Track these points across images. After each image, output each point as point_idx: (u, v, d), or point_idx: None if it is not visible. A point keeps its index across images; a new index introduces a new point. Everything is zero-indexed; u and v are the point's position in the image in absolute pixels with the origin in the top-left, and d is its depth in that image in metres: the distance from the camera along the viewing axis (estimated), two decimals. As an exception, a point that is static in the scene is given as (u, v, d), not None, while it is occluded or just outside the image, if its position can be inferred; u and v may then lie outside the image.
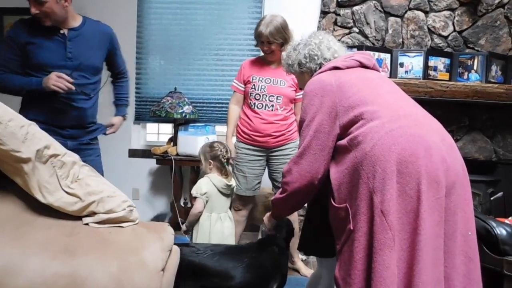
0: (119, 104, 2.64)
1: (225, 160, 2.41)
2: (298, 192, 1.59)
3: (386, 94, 1.51)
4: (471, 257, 1.41)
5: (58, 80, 2.06)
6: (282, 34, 2.66)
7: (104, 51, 2.36)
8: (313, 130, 1.51)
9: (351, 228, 1.38)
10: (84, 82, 2.23)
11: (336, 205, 1.46)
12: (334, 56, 1.70)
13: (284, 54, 1.86)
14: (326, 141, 1.49)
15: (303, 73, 1.76)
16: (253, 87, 2.74)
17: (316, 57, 1.70)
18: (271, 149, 2.77)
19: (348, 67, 1.59)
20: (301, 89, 1.81)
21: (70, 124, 2.25)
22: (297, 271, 2.90)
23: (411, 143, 1.34)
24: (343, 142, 1.46)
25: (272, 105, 2.72)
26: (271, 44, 2.67)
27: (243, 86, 2.81)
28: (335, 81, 1.52)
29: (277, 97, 2.72)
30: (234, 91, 2.87)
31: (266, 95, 2.72)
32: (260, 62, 2.83)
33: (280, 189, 1.69)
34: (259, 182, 2.83)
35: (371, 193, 1.33)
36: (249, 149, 2.76)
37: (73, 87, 2.10)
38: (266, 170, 2.87)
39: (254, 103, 2.74)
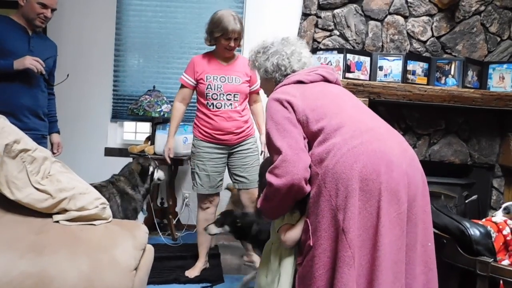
0: (52, 121, 2.80)
1: None
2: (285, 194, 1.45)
3: (349, 108, 1.52)
4: (431, 267, 1.43)
5: (34, 60, 2.39)
6: (243, 30, 2.68)
7: (53, 58, 2.72)
8: (288, 131, 1.45)
9: (311, 244, 1.38)
10: (39, 75, 2.52)
11: (305, 218, 1.46)
12: (302, 69, 1.67)
13: (250, 52, 1.78)
14: (300, 140, 1.46)
15: (268, 79, 1.72)
16: (209, 86, 2.68)
17: (283, 68, 1.65)
18: (232, 146, 2.76)
19: (311, 81, 1.59)
20: (266, 94, 1.79)
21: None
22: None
23: (373, 159, 1.35)
24: None
25: (231, 103, 2.70)
26: (237, 40, 2.64)
27: (194, 81, 2.72)
28: (299, 94, 1.51)
29: (234, 94, 2.70)
30: (182, 85, 2.76)
31: (223, 94, 2.68)
32: (211, 59, 2.73)
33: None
34: (222, 179, 2.82)
35: (334, 211, 1.33)
36: (210, 147, 2.73)
37: (43, 71, 2.45)
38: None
39: (212, 103, 2.69)
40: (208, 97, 2.69)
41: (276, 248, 1.61)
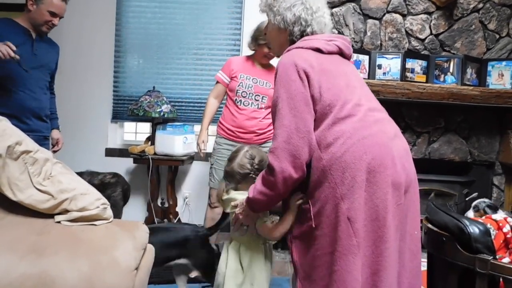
0: (52, 118, 2.84)
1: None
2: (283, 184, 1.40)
3: (360, 94, 1.49)
4: (416, 255, 1.46)
5: (1, 45, 2.20)
6: None
7: (56, 61, 2.76)
8: (298, 110, 1.38)
9: (313, 226, 1.39)
10: (42, 78, 2.60)
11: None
12: (322, 32, 1.56)
13: None
14: (309, 121, 1.39)
15: (281, 30, 1.57)
16: (241, 84, 2.82)
17: (304, 22, 1.52)
18: None
19: (329, 52, 1.50)
20: (269, 44, 1.76)
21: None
22: None
23: (381, 152, 1.35)
24: None
25: (258, 104, 2.84)
26: None
27: (228, 79, 2.88)
28: (317, 65, 1.43)
29: (263, 97, 2.84)
30: (217, 82, 2.92)
31: (253, 94, 2.83)
32: (248, 61, 2.91)
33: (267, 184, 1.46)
34: None
35: (337, 199, 1.33)
36: (231, 145, 2.83)
37: (14, 55, 2.21)
38: None
39: (241, 100, 2.83)
40: (238, 93, 2.83)
41: (245, 249, 1.68)
